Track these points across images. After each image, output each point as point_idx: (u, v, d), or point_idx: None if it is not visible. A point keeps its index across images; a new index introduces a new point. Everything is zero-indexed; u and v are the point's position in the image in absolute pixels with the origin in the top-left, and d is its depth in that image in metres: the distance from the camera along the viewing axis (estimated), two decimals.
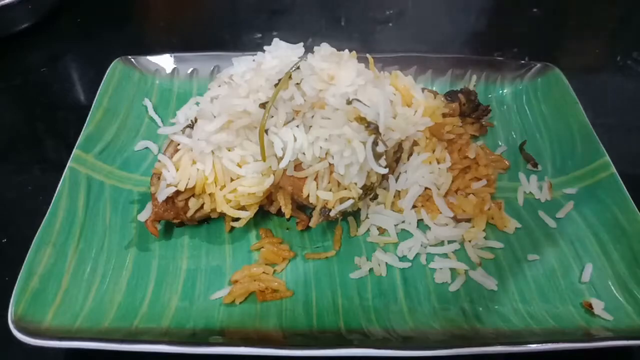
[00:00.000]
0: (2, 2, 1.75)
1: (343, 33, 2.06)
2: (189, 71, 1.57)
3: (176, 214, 1.18)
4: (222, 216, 1.21)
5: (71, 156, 1.27)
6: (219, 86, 1.25)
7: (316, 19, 2.13)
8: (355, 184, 1.14)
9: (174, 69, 1.58)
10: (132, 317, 1.05)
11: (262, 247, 1.19)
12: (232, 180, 1.16)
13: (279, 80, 1.13)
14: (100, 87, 1.46)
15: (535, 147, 1.44)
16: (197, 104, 1.33)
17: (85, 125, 1.35)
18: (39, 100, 1.69)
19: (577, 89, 1.50)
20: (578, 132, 1.40)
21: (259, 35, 2.01)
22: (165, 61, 1.58)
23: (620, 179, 1.25)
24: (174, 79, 1.57)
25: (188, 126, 1.22)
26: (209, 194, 1.16)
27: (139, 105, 1.49)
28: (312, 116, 1.13)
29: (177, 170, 1.15)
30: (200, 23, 2.16)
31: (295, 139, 1.12)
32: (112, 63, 1.52)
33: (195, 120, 1.20)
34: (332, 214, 1.15)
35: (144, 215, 1.19)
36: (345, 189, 1.15)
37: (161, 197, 1.14)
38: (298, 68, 1.14)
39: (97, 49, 1.93)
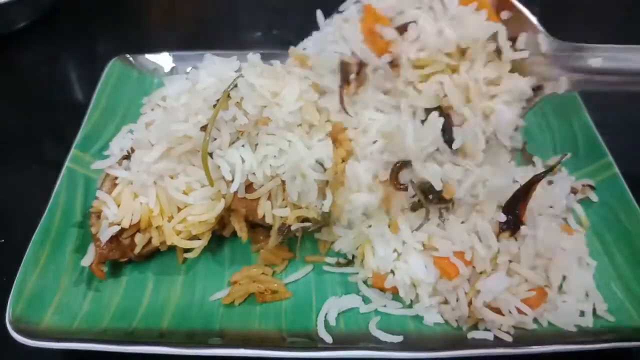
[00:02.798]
0: (2, 1, 1.74)
1: None
2: (188, 70, 1.55)
3: (122, 252, 1.10)
4: (173, 248, 1.14)
5: (69, 156, 1.26)
6: (152, 110, 1.17)
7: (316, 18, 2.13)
8: (315, 206, 1.10)
9: (172, 68, 1.57)
10: (130, 318, 1.04)
11: (262, 249, 1.18)
12: (179, 209, 1.09)
13: (217, 100, 1.08)
14: (98, 86, 1.45)
15: (537, 147, 1.43)
16: (131, 131, 1.20)
17: (83, 124, 1.34)
18: (37, 100, 1.68)
19: None
20: (580, 132, 1.40)
21: (259, 34, 2.01)
22: (164, 60, 1.58)
23: (622, 179, 1.25)
24: None
25: (124, 157, 1.13)
26: (156, 228, 1.09)
27: (137, 104, 1.48)
28: (257, 133, 1.09)
29: (119, 206, 1.08)
30: (199, 22, 2.16)
31: (243, 160, 1.07)
32: (111, 62, 1.52)
33: (132, 150, 1.13)
34: (293, 228, 1.11)
35: (88, 259, 1.09)
36: (301, 207, 1.11)
37: (104, 237, 1.06)
38: (236, 86, 1.08)
39: (96, 48, 1.92)
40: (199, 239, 1.11)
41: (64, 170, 1.23)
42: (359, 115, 1.15)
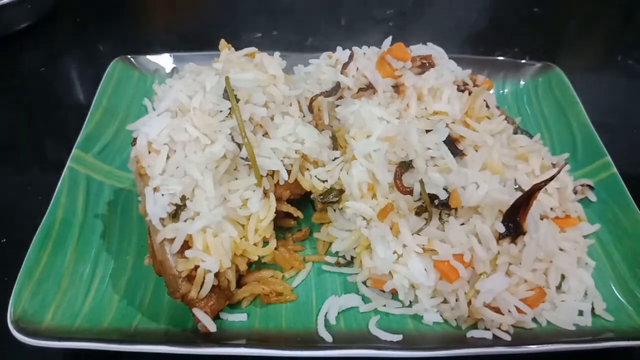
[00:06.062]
0: (2, 2, 1.75)
1: (342, 33, 2.06)
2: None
3: (225, 297, 1.05)
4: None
5: (70, 156, 1.26)
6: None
7: (316, 18, 2.13)
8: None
9: (173, 69, 1.57)
10: (131, 318, 1.05)
11: (276, 249, 1.15)
12: (242, 225, 1.07)
13: (229, 109, 1.08)
14: (99, 86, 1.45)
15: None
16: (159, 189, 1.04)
17: (84, 125, 1.34)
18: (38, 100, 1.68)
19: (577, 88, 1.49)
20: (579, 132, 1.40)
21: (259, 35, 2.01)
22: (164, 61, 1.58)
23: (621, 179, 1.25)
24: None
25: (177, 210, 1.03)
26: (241, 255, 1.07)
27: (138, 105, 1.49)
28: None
29: (210, 254, 1.00)
30: (199, 23, 2.16)
31: (274, 150, 1.10)
32: (112, 63, 1.52)
33: (183, 198, 1.03)
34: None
35: (203, 327, 1.01)
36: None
37: (205, 291, 1.00)
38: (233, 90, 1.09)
39: (97, 48, 1.93)
40: (268, 243, 1.12)
41: (65, 170, 1.23)
42: (358, 114, 1.17)
